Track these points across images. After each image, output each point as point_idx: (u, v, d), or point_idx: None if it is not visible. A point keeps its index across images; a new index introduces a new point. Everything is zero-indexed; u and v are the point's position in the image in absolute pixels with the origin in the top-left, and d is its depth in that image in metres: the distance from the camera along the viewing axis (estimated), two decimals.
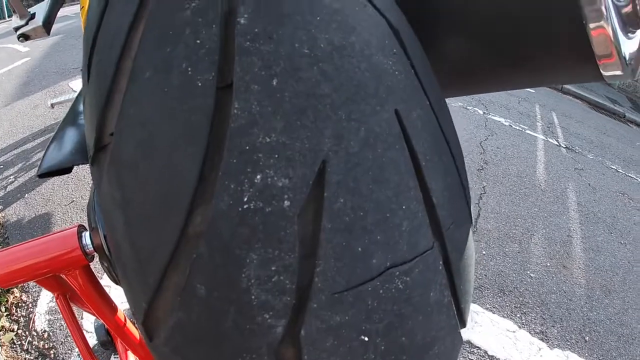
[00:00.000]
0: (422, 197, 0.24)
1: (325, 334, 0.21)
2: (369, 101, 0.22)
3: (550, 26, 0.33)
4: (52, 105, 2.08)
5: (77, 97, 0.52)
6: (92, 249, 0.71)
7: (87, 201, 1.96)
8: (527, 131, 3.74)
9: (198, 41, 0.21)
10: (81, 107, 0.49)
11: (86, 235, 0.71)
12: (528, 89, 5.05)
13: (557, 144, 3.67)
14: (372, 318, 0.22)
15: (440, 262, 0.25)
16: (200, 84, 0.21)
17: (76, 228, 0.74)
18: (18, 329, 1.45)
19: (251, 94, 0.20)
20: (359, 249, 0.21)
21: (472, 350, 1.50)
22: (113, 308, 0.94)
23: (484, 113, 3.85)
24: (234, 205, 0.20)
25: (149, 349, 0.26)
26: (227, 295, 0.20)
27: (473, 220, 1.85)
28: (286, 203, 0.20)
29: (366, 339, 0.22)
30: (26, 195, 2.06)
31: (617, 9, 0.31)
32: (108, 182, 0.23)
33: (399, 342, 0.23)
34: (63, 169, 0.42)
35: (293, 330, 0.21)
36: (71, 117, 0.47)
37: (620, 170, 3.37)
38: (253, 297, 0.20)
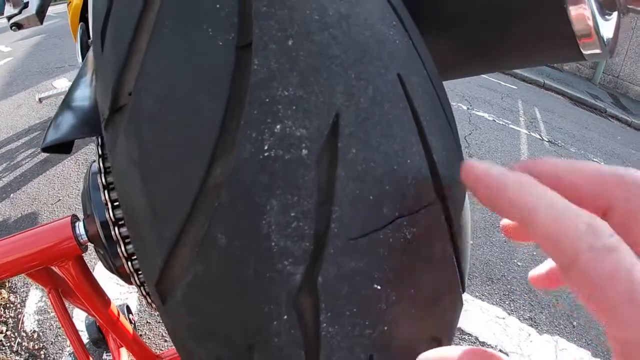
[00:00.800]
0: (424, 154, 0.25)
1: (341, 280, 0.22)
2: (375, 64, 0.24)
3: (534, 9, 0.35)
4: (40, 100, 2.05)
5: (75, 79, 0.52)
6: (86, 238, 0.71)
7: (73, 200, 1.94)
8: (511, 126, 3.80)
9: (217, 5, 0.23)
10: (80, 88, 0.50)
11: (80, 225, 0.71)
12: (510, 85, 5.14)
13: (540, 137, 3.74)
14: (384, 266, 0.23)
15: (443, 217, 0.26)
16: (221, 44, 0.22)
17: (70, 218, 0.73)
18: (7, 330, 1.42)
19: (269, 52, 0.22)
20: (370, 197, 0.23)
21: (464, 337, 1.53)
22: (106, 301, 0.94)
23: (468, 108, 3.90)
24: (255, 153, 0.21)
25: (161, 315, 0.26)
26: (247, 243, 0.21)
27: None
28: (304, 151, 0.21)
29: (378, 287, 0.23)
30: (11, 195, 2.02)
31: None
32: (125, 140, 0.23)
33: (408, 294, 0.24)
34: (64, 145, 0.44)
35: (311, 277, 0.22)
36: (70, 98, 0.48)
37: (603, 163, 3.44)
38: (273, 243, 0.21)
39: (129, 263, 0.54)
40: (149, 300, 0.61)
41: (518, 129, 3.78)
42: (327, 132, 0.22)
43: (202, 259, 0.22)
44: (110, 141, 0.25)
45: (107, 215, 0.52)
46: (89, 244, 0.72)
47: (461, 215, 0.28)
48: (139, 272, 0.56)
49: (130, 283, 0.62)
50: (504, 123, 3.79)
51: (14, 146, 2.43)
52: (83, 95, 0.49)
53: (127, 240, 0.53)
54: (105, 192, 0.52)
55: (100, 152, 0.55)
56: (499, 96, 4.56)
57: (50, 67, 3.60)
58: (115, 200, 0.53)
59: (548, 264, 0.27)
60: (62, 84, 3.20)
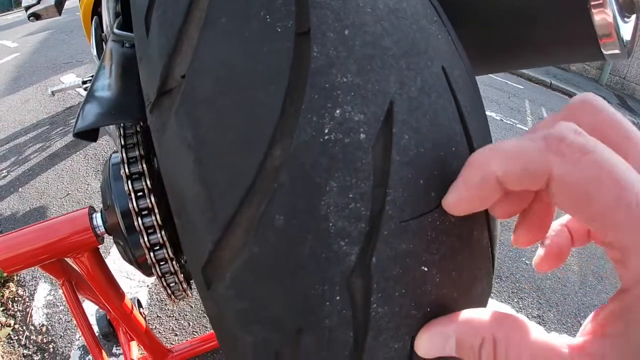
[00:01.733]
0: (466, 143, 0.26)
1: (393, 261, 0.22)
2: (422, 56, 0.25)
3: (559, 11, 0.37)
4: (53, 93, 2.06)
5: (97, 71, 0.53)
6: (103, 230, 0.71)
7: (82, 194, 1.95)
8: (518, 125, 3.80)
9: None
10: (102, 79, 0.50)
11: (97, 217, 0.71)
12: (517, 85, 5.13)
13: None
14: (431, 249, 0.23)
15: None
16: (279, 30, 0.23)
17: (87, 209, 0.73)
18: (15, 323, 1.43)
19: (327, 40, 0.23)
20: (421, 181, 0.23)
21: None
22: (120, 294, 0.94)
23: None
24: (316, 136, 0.22)
25: (203, 299, 0.26)
26: (306, 224, 0.22)
27: None
28: (362, 135, 0.22)
29: (425, 269, 0.23)
30: (20, 189, 2.03)
31: None
32: (177, 123, 0.23)
33: (450, 276, 0.25)
34: (91, 133, 0.45)
35: (364, 258, 0.22)
36: (94, 88, 0.48)
37: None
38: (331, 224, 0.22)
39: (152, 254, 0.54)
40: (170, 291, 0.61)
41: (525, 128, 3.76)
42: (382, 118, 0.23)
43: (258, 240, 0.22)
44: (157, 124, 0.25)
45: (131, 206, 0.52)
46: (105, 235, 0.72)
47: None
48: (162, 263, 0.55)
49: (149, 275, 0.62)
50: (511, 123, 3.78)
51: (22, 140, 2.44)
52: (105, 86, 0.50)
53: (150, 231, 0.53)
54: (129, 182, 0.52)
55: (123, 142, 0.55)
56: (506, 96, 4.55)
57: (58, 62, 3.61)
58: (139, 191, 0.52)
59: (543, 249, 0.27)
60: (70, 79, 3.20)
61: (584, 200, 0.18)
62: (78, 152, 2.30)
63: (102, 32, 1.12)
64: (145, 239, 0.53)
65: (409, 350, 0.24)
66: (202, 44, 0.23)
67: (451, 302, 0.25)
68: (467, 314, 0.23)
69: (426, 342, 0.23)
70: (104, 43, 1.13)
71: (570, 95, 5.45)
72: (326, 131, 0.22)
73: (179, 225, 0.25)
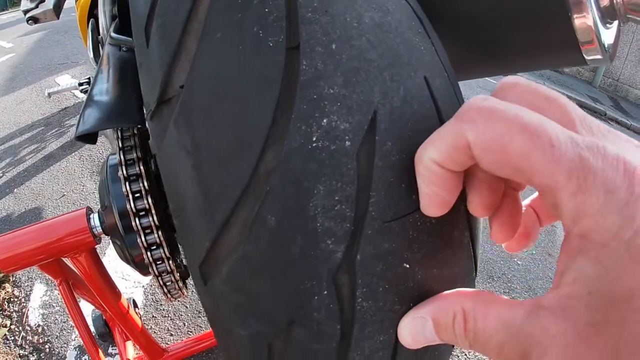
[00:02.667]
0: None
1: (376, 259, 0.24)
2: (405, 68, 0.27)
3: (541, 17, 0.38)
4: (49, 95, 2.06)
5: (96, 75, 0.54)
6: (100, 230, 0.72)
7: (77, 195, 1.95)
8: None
9: (266, 10, 0.25)
10: (100, 84, 0.51)
11: (94, 217, 0.73)
12: None
13: None
14: (412, 247, 0.25)
15: (462, 206, 0.28)
16: (271, 44, 0.24)
17: (84, 210, 0.75)
18: (11, 324, 1.43)
19: (316, 54, 0.24)
20: (402, 185, 0.25)
21: None
22: (117, 294, 0.95)
23: None
24: (304, 143, 0.23)
25: (200, 294, 0.27)
26: (295, 224, 0.23)
27: None
28: (347, 143, 0.24)
29: (407, 266, 0.25)
30: (15, 190, 2.03)
31: (597, 1, 0.36)
32: (175, 130, 0.25)
33: (432, 273, 0.26)
34: (91, 136, 0.47)
35: (350, 256, 0.24)
36: (93, 92, 0.50)
37: None
38: (318, 224, 0.23)
39: (149, 253, 0.56)
40: (166, 290, 0.62)
41: None
42: (366, 126, 0.24)
43: (251, 239, 0.24)
44: (157, 131, 0.27)
45: (129, 207, 0.53)
46: (102, 235, 0.74)
47: None
48: (158, 262, 0.57)
49: (145, 274, 0.63)
50: None
51: (17, 142, 2.44)
52: (105, 90, 0.51)
53: (147, 231, 0.55)
54: (127, 183, 0.53)
55: (120, 145, 0.56)
56: None
57: (53, 63, 3.60)
58: (136, 192, 0.54)
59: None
60: (66, 80, 3.19)
61: (502, 154, 0.19)
62: (73, 154, 2.30)
63: (99, 34, 1.12)
64: (143, 238, 0.54)
65: (393, 342, 0.26)
66: (199, 56, 0.25)
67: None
68: (439, 295, 0.25)
69: (406, 329, 0.25)
70: (100, 45, 1.14)
71: None
72: (314, 139, 0.23)
73: (178, 225, 0.26)
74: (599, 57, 0.38)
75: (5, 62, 3.71)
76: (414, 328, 0.25)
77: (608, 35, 0.38)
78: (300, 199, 0.23)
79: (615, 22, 0.40)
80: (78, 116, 0.46)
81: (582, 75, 6.45)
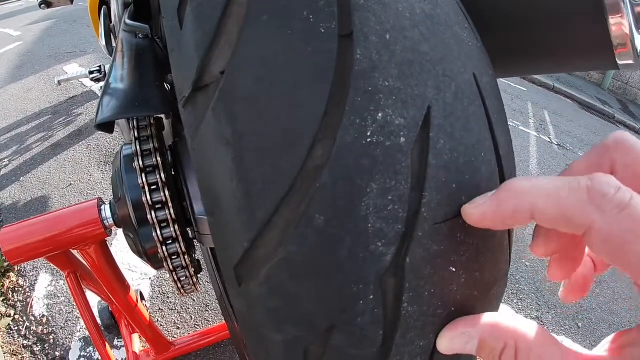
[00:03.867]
0: (493, 148, 0.27)
1: (425, 262, 0.23)
2: (456, 63, 0.26)
3: (575, 19, 0.38)
4: (59, 83, 2.04)
5: (112, 63, 0.52)
6: (112, 222, 0.70)
7: (84, 185, 1.94)
8: (520, 127, 3.80)
9: None
10: (117, 72, 0.50)
11: (106, 209, 0.71)
12: (520, 87, 5.13)
13: (549, 140, 3.74)
14: (459, 250, 0.24)
15: None
16: (323, 31, 0.23)
17: (96, 201, 0.73)
18: (15, 314, 1.43)
19: (370, 43, 0.23)
20: (454, 185, 0.24)
21: None
22: (126, 286, 0.94)
23: None
24: (358, 138, 0.22)
25: (232, 296, 0.26)
26: (345, 224, 0.22)
27: None
28: (402, 139, 0.23)
29: (453, 269, 0.24)
30: (22, 178, 2.02)
31: (632, 6, 0.36)
32: (214, 118, 0.23)
33: (474, 277, 0.25)
34: (108, 125, 0.46)
35: (399, 258, 0.23)
36: (110, 81, 0.48)
37: None
38: (370, 225, 0.22)
39: (164, 247, 0.54)
40: (180, 285, 0.61)
41: (528, 131, 3.77)
42: (421, 122, 0.23)
43: (296, 239, 0.22)
44: (190, 119, 0.25)
45: (145, 199, 0.52)
46: (113, 227, 0.72)
47: None
48: (174, 257, 0.55)
49: (157, 268, 0.62)
50: (513, 125, 3.78)
51: (24, 130, 2.43)
52: (121, 78, 0.50)
53: (163, 225, 0.53)
54: (143, 175, 0.52)
55: (136, 134, 0.54)
56: (509, 97, 4.55)
57: (61, 52, 3.60)
58: (153, 184, 0.52)
59: (567, 280, 0.28)
60: (73, 69, 3.18)
61: (620, 250, 0.19)
62: (81, 143, 2.30)
63: (110, 22, 1.11)
64: (159, 232, 0.53)
65: (432, 348, 0.25)
66: (243, 40, 0.23)
67: (472, 301, 0.26)
68: (491, 317, 0.24)
69: (449, 340, 0.24)
70: (112, 33, 1.12)
71: (573, 98, 5.46)
72: (369, 134, 0.22)
73: (212, 222, 0.25)
74: (630, 62, 0.38)
75: (12, 50, 3.70)
76: (457, 341, 0.24)
77: None
78: (352, 198, 0.22)
79: None
80: (97, 104, 0.45)
81: (592, 78, 6.41)
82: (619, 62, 0.38)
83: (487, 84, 0.28)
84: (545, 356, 0.21)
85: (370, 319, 0.23)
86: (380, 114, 0.22)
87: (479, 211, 0.23)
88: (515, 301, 1.75)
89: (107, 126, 0.46)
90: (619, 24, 0.35)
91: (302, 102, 0.22)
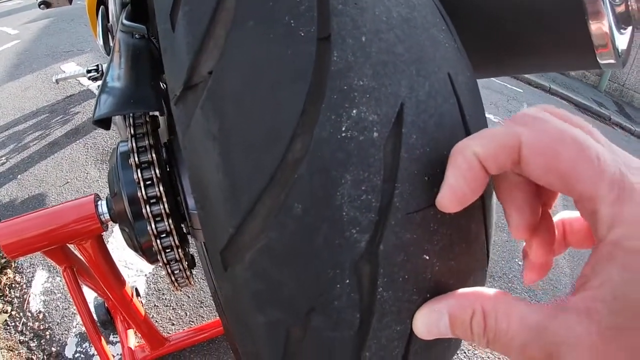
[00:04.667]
0: None
1: (398, 249, 0.25)
2: (430, 63, 0.27)
3: (556, 20, 0.39)
4: (57, 81, 2.05)
5: (110, 62, 0.54)
6: (108, 217, 0.72)
7: (81, 183, 1.95)
8: None
9: (297, 0, 0.25)
10: (114, 70, 0.51)
11: (102, 204, 0.73)
12: (516, 88, 5.14)
13: None
14: (432, 239, 0.26)
15: (480, 201, 0.29)
16: (302, 34, 0.24)
17: (93, 196, 0.75)
18: (12, 310, 1.43)
19: (347, 46, 0.25)
20: (426, 177, 0.25)
21: None
22: (121, 281, 0.96)
23: None
24: (334, 133, 0.24)
25: (218, 280, 0.27)
26: (321, 212, 0.23)
27: None
28: (375, 134, 0.24)
29: (427, 257, 0.25)
30: (19, 176, 2.03)
31: (612, 7, 0.37)
32: (202, 116, 0.25)
33: (449, 266, 0.27)
34: (107, 121, 0.48)
35: (373, 245, 0.24)
36: (107, 79, 0.50)
37: None
38: (344, 213, 0.24)
39: (158, 241, 0.56)
40: (173, 279, 0.62)
41: None
42: (394, 119, 0.25)
43: (277, 226, 0.24)
44: (182, 116, 0.26)
45: (140, 194, 0.53)
46: (109, 222, 0.74)
47: (491, 202, 0.32)
48: (167, 250, 0.57)
49: (152, 262, 0.63)
50: None
51: (21, 128, 2.44)
52: (119, 76, 0.51)
53: (157, 219, 0.55)
54: (138, 170, 0.53)
55: (132, 132, 0.56)
56: (504, 99, 4.57)
57: (59, 50, 3.59)
58: (148, 179, 0.54)
59: (528, 263, 0.29)
60: (71, 68, 3.18)
61: (552, 159, 0.20)
62: (78, 141, 2.30)
63: (108, 22, 1.12)
64: (153, 226, 0.54)
65: (408, 332, 0.27)
66: (229, 43, 0.25)
67: (448, 290, 0.27)
68: (456, 292, 0.25)
69: (422, 320, 0.26)
70: (109, 33, 1.13)
71: (569, 100, 5.48)
72: (343, 129, 0.24)
73: (201, 211, 0.26)
74: (612, 61, 0.39)
75: (10, 48, 3.70)
76: (430, 320, 0.25)
77: (622, 40, 0.39)
78: (328, 188, 0.23)
79: (629, 28, 0.41)
80: (95, 101, 0.47)
81: (588, 79, 6.44)
82: (601, 62, 0.40)
83: (462, 83, 0.29)
84: (513, 313, 0.21)
85: (347, 303, 0.25)
86: (354, 111, 0.24)
87: (446, 190, 0.23)
88: None
89: (104, 122, 0.48)
90: (599, 26, 0.36)
91: (283, 100, 0.24)
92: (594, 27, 0.36)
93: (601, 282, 0.19)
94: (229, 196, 0.24)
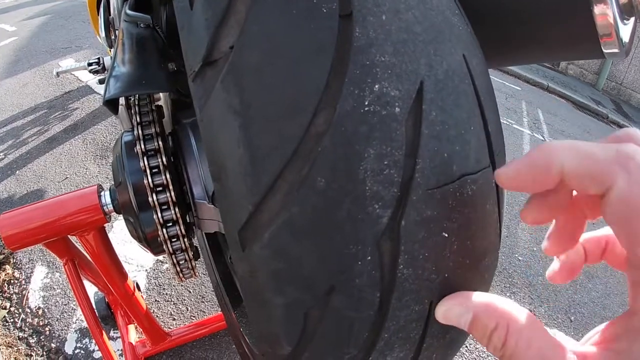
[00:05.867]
0: (482, 124, 0.29)
1: (419, 226, 0.24)
2: (446, 44, 0.27)
3: (561, 8, 0.39)
4: (58, 74, 2.03)
5: (116, 49, 0.54)
6: (111, 208, 0.71)
7: (80, 178, 1.94)
8: (514, 125, 3.83)
9: None
10: (121, 55, 0.51)
11: (105, 195, 0.72)
12: (514, 86, 5.16)
13: (543, 139, 3.77)
14: (451, 217, 0.26)
15: (493, 182, 0.29)
16: (325, 10, 0.25)
17: (96, 187, 0.74)
18: (11, 306, 1.43)
19: (368, 23, 0.25)
20: (445, 154, 0.25)
21: None
22: (124, 275, 0.95)
23: None
24: (357, 107, 0.24)
25: (236, 260, 0.27)
26: (344, 186, 0.23)
27: None
28: (397, 109, 0.24)
29: (446, 235, 0.25)
30: (17, 172, 2.02)
31: None
32: (223, 90, 0.25)
33: (465, 245, 0.27)
34: (115, 104, 0.48)
35: (394, 221, 0.24)
36: (115, 63, 0.49)
37: None
38: (367, 187, 0.23)
39: (164, 230, 0.55)
40: (178, 269, 0.62)
41: (521, 129, 3.80)
42: (414, 95, 0.25)
43: (299, 201, 0.23)
44: (199, 92, 0.26)
45: (146, 182, 0.53)
46: (112, 213, 0.73)
47: None
48: (173, 240, 0.56)
49: (156, 253, 0.63)
50: (507, 122, 3.81)
51: (20, 124, 2.42)
52: (126, 61, 0.51)
53: (163, 207, 0.54)
54: (145, 158, 0.53)
55: (138, 120, 0.55)
56: (503, 96, 4.58)
57: (57, 47, 3.58)
58: (154, 167, 0.53)
59: (558, 262, 0.29)
60: (69, 64, 3.17)
61: (634, 215, 0.19)
62: (77, 137, 2.29)
63: (109, 14, 1.12)
64: (159, 215, 0.54)
65: (426, 313, 0.26)
66: (250, 18, 0.25)
67: (464, 270, 0.27)
68: (487, 296, 0.24)
69: (446, 310, 0.25)
70: (111, 25, 1.13)
71: (567, 98, 5.50)
72: (366, 103, 0.24)
73: (218, 189, 0.26)
74: (615, 50, 0.39)
75: (8, 45, 3.68)
76: (453, 313, 0.25)
77: (625, 30, 0.39)
78: (351, 162, 0.23)
79: (632, 19, 0.41)
80: (104, 85, 0.47)
81: (586, 78, 6.46)
82: (605, 51, 0.40)
83: (476, 66, 0.29)
84: (535, 342, 0.21)
85: (368, 281, 0.24)
86: (377, 86, 0.24)
87: (512, 168, 0.23)
88: (508, 294, 1.77)
89: (113, 104, 0.48)
90: (604, 14, 0.37)
91: (306, 74, 0.24)
92: (599, 17, 0.37)
93: (624, 351, 0.20)
94: (250, 171, 0.24)
